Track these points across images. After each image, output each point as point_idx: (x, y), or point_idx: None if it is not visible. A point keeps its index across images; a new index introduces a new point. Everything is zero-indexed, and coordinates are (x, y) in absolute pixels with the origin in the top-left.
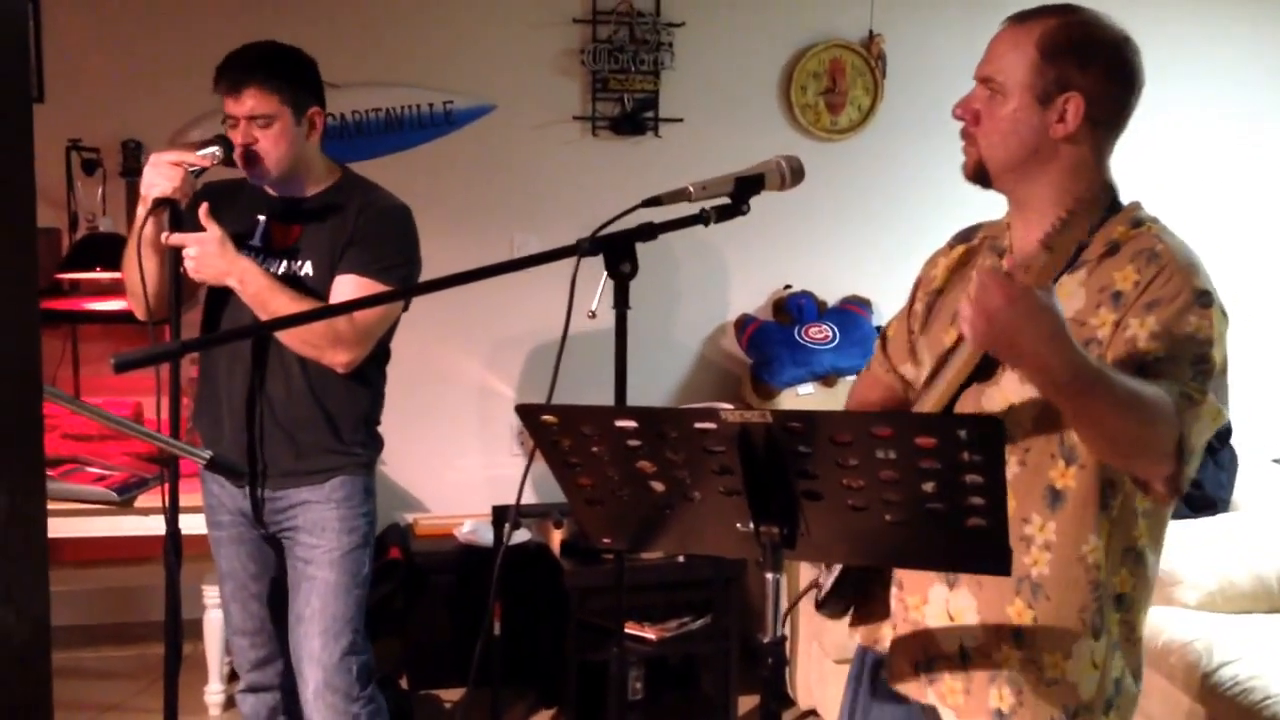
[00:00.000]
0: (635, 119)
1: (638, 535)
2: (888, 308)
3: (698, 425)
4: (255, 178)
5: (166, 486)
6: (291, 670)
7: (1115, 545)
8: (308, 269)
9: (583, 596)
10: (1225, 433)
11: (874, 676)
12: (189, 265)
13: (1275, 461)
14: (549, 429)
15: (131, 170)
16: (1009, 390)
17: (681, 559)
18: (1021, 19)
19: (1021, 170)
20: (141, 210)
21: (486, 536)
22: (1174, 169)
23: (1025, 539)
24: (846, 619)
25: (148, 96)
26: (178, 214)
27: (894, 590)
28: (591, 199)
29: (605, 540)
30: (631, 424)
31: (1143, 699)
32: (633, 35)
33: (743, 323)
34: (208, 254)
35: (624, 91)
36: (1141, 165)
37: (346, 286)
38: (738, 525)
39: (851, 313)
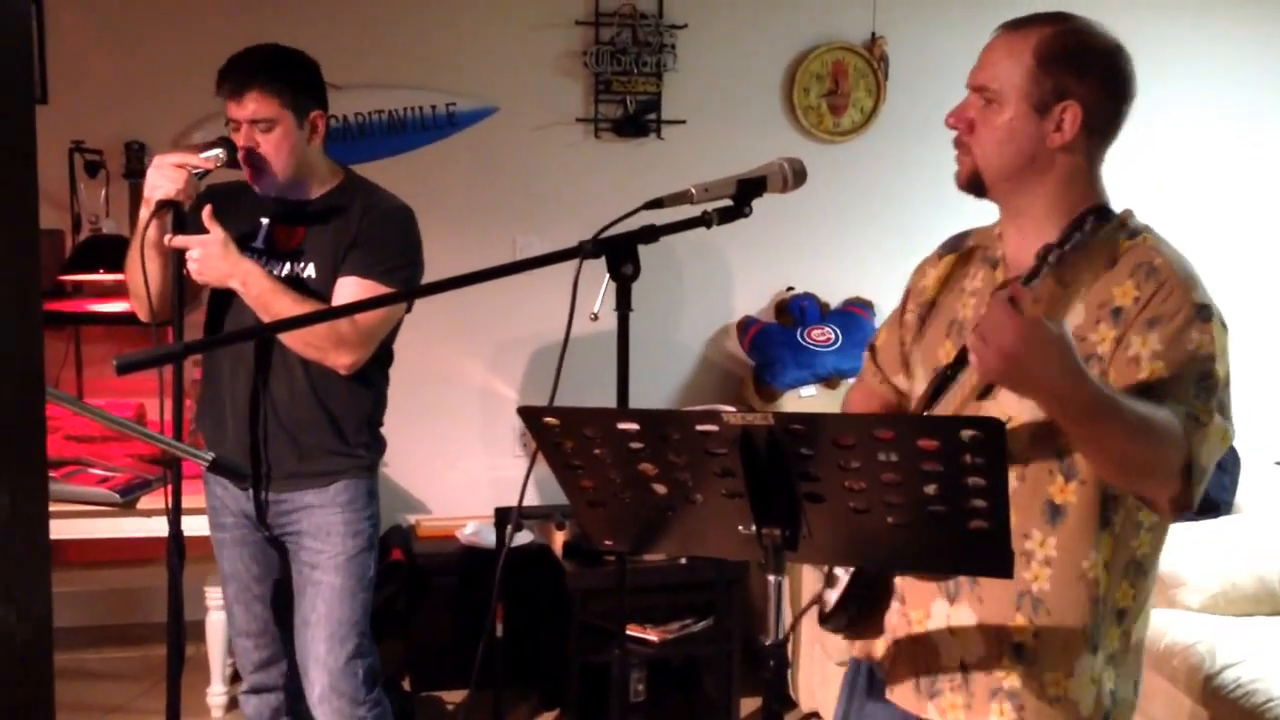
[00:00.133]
0: (638, 121)
1: (640, 537)
2: (890, 310)
3: (700, 427)
4: (263, 187)
5: (169, 488)
6: (295, 671)
7: (1118, 560)
8: (311, 271)
9: (585, 598)
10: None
11: (869, 685)
12: (192, 267)
13: (1278, 464)
14: (551, 431)
15: (134, 172)
16: (1006, 406)
17: (684, 561)
18: (1015, 27)
19: (1017, 179)
20: (145, 212)
21: (489, 538)
22: (1174, 169)
23: (1026, 554)
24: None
25: (151, 98)
26: (181, 216)
27: (895, 605)
28: (594, 201)
29: (607, 542)
30: (634, 426)
31: (1145, 702)
32: (635, 37)
33: (745, 324)
34: (210, 256)
35: (626, 93)
36: (1142, 165)
37: (349, 288)
38: (740, 527)
39: (854, 314)
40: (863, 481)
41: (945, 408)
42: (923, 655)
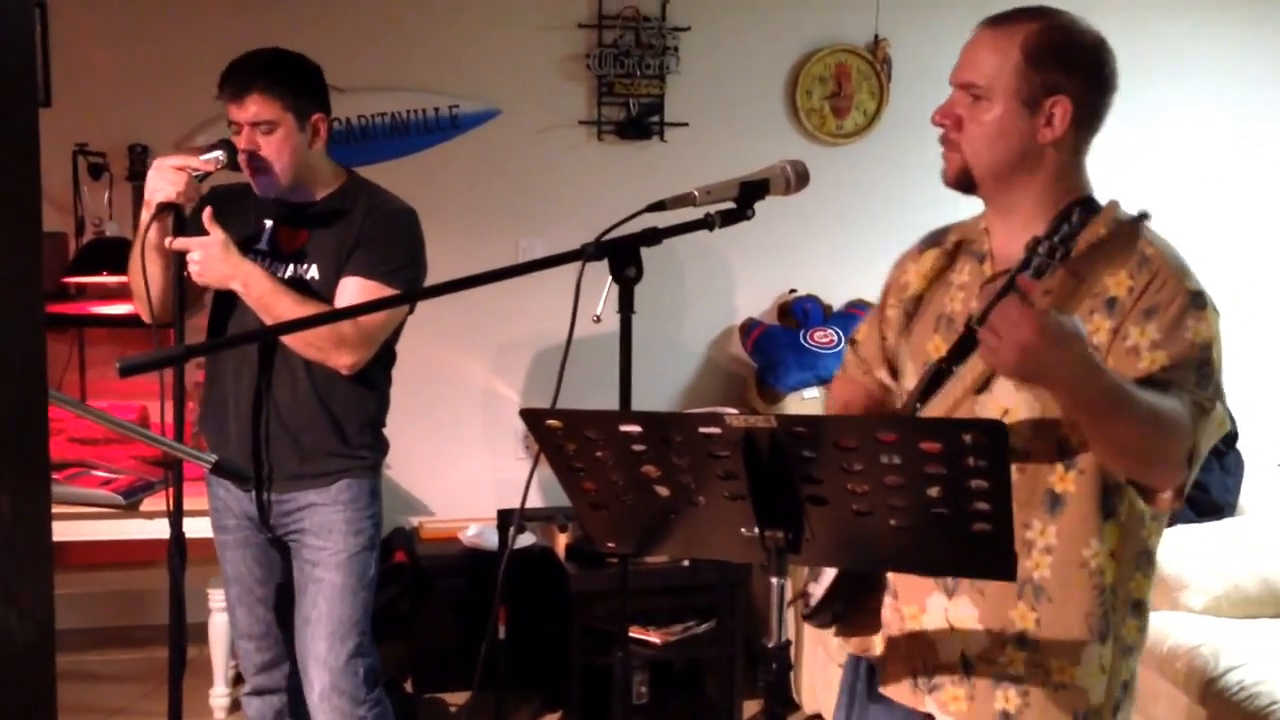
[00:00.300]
0: (640, 123)
1: (642, 539)
2: None
3: (702, 430)
4: (264, 190)
5: (172, 490)
6: (297, 672)
7: (1128, 550)
8: (314, 272)
9: (587, 600)
10: (1231, 437)
11: (869, 683)
12: (193, 269)
13: None
14: (554, 433)
15: (138, 174)
16: (1003, 398)
17: (686, 563)
18: (999, 23)
19: (1007, 175)
20: (146, 215)
21: (491, 540)
22: (1174, 169)
23: (1027, 544)
24: (833, 629)
25: (154, 101)
26: (182, 218)
27: (888, 600)
28: (596, 203)
29: (610, 544)
30: (636, 428)
31: (1149, 704)
32: (638, 40)
33: (748, 327)
34: (211, 258)
35: (629, 96)
36: (1141, 165)
37: (352, 288)
38: (742, 530)
39: (857, 316)
40: (865, 484)
41: (941, 401)
42: (918, 650)
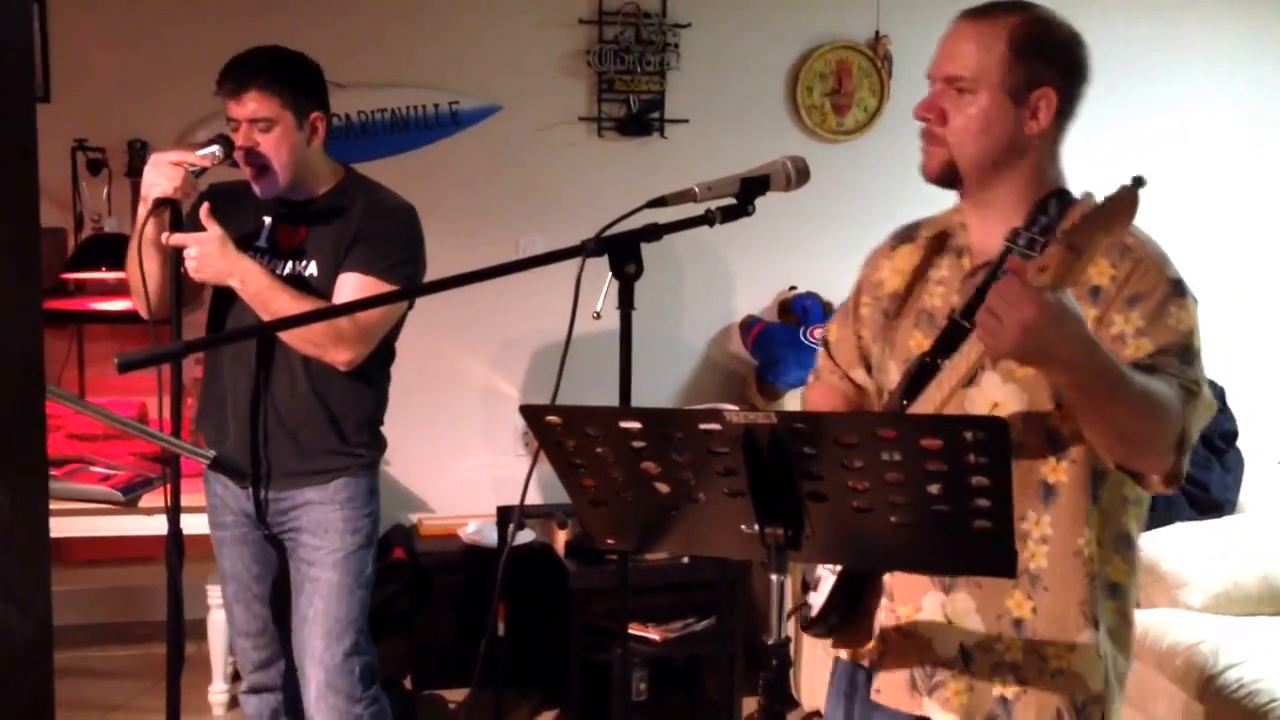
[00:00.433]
0: (641, 120)
1: (642, 536)
2: None
3: (702, 426)
4: (264, 189)
5: (170, 487)
6: (294, 670)
7: (1107, 535)
8: (312, 269)
9: (587, 597)
10: (1231, 435)
11: (866, 688)
12: (190, 265)
13: None
14: (553, 430)
15: (137, 170)
16: (990, 391)
17: (686, 560)
18: (980, 15)
19: (991, 168)
20: (142, 210)
21: (491, 537)
22: (1174, 167)
23: (1022, 535)
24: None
25: (153, 96)
26: (178, 214)
27: (884, 603)
28: (597, 200)
29: (609, 541)
30: (636, 425)
31: (1148, 702)
32: (639, 36)
33: (748, 324)
34: (208, 254)
35: (630, 92)
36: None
37: (350, 284)
38: (742, 527)
39: None
40: (866, 481)
41: (932, 395)
42: (915, 650)
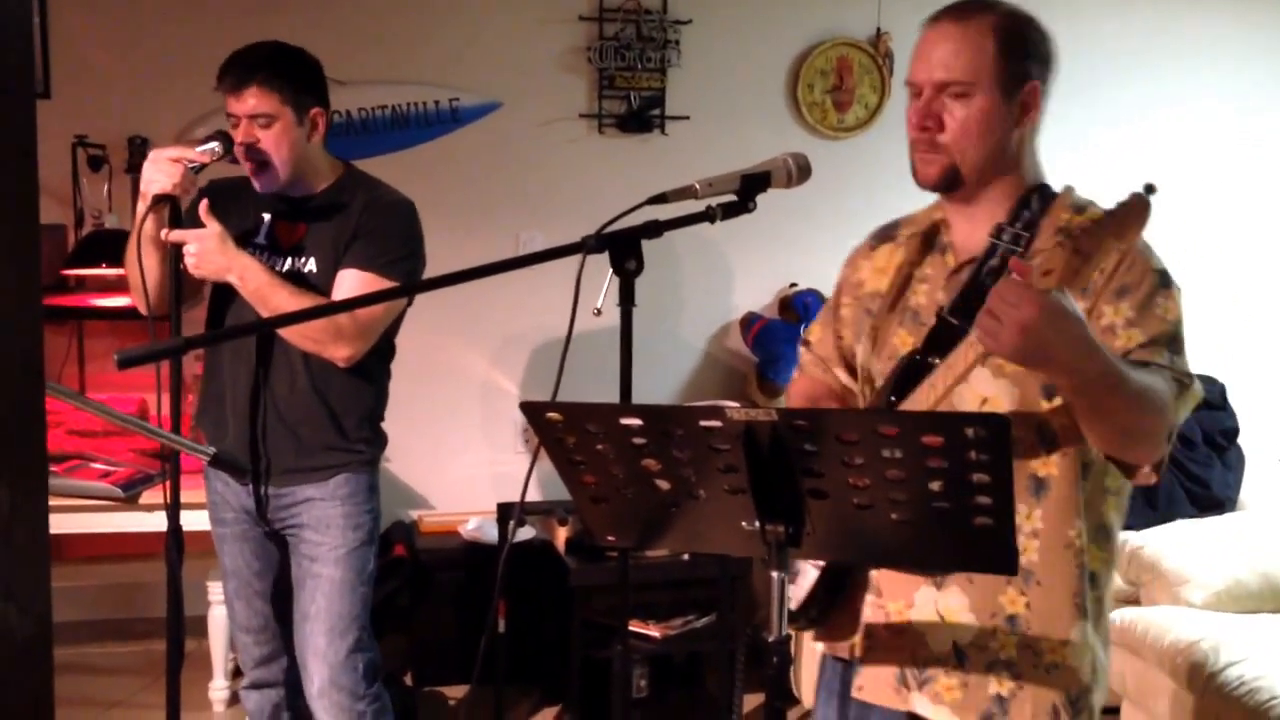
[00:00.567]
0: (641, 116)
1: (643, 533)
2: None
3: (703, 423)
4: (264, 185)
5: (169, 483)
6: (295, 666)
7: (1089, 525)
8: (312, 265)
9: (587, 594)
10: (1232, 432)
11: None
12: (189, 261)
13: None
14: (554, 426)
15: (137, 167)
16: (980, 386)
17: (686, 557)
18: (959, 18)
19: (990, 168)
20: (141, 206)
21: (491, 534)
22: (1174, 166)
23: (1014, 529)
24: (812, 632)
25: (154, 93)
26: (178, 210)
27: (870, 598)
28: (597, 196)
29: (610, 538)
30: (636, 422)
31: (1149, 699)
32: (639, 33)
33: (748, 321)
34: (207, 250)
35: (630, 89)
36: (1141, 162)
37: (350, 280)
38: (743, 523)
39: None
40: (866, 478)
41: (926, 393)
42: (906, 646)
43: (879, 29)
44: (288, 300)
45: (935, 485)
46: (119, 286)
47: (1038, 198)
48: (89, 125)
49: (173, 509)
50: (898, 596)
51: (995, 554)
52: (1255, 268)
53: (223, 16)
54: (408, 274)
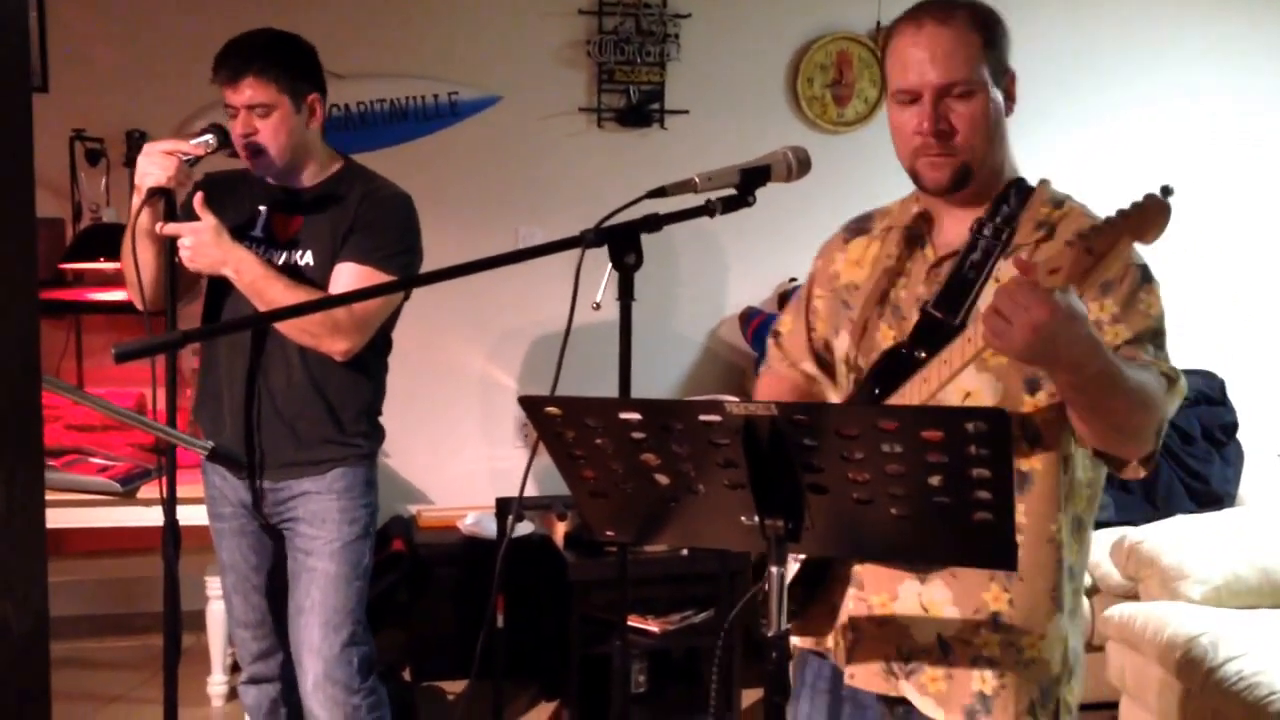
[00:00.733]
0: (641, 111)
1: (642, 528)
2: None
3: (702, 418)
4: (260, 169)
5: (166, 478)
6: (293, 662)
7: (1067, 519)
8: (308, 259)
9: (586, 589)
10: (1231, 427)
11: (830, 680)
12: (184, 255)
13: None
14: (553, 421)
15: (135, 161)
16: (963, 380)
17: (685, 552)
18: (942, 18)
19: (991, 162)
20: (136, 200)
21: (490, 528)
22: (1175, 164)
23: (1014, 524)
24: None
25: (152, 86)
26: (173, 203)
27: (852, 592)
28: (597, 191)
29: (609, 533)
30: (636, 416)
31: (1148, 694)
32: (639, 27)
33: (747, 315)
34: (203, 243)
35: (630, 83)
36: (1141, 160)
37: (347, 274)
38: (742, 518)
39: None
40: (866, 473)
41: (915, 389)
42: (891, 638)
43: (879, 23)
44: (284, 294)
45: (935, 480)
46: (117, 281)
47: (1015, 191)
48: (87, 119)
49: (169, 504)
50: (880, 590)
51: (995, 549)
52: (1255, 266)
53: (221, 9)
54: (405, 268)
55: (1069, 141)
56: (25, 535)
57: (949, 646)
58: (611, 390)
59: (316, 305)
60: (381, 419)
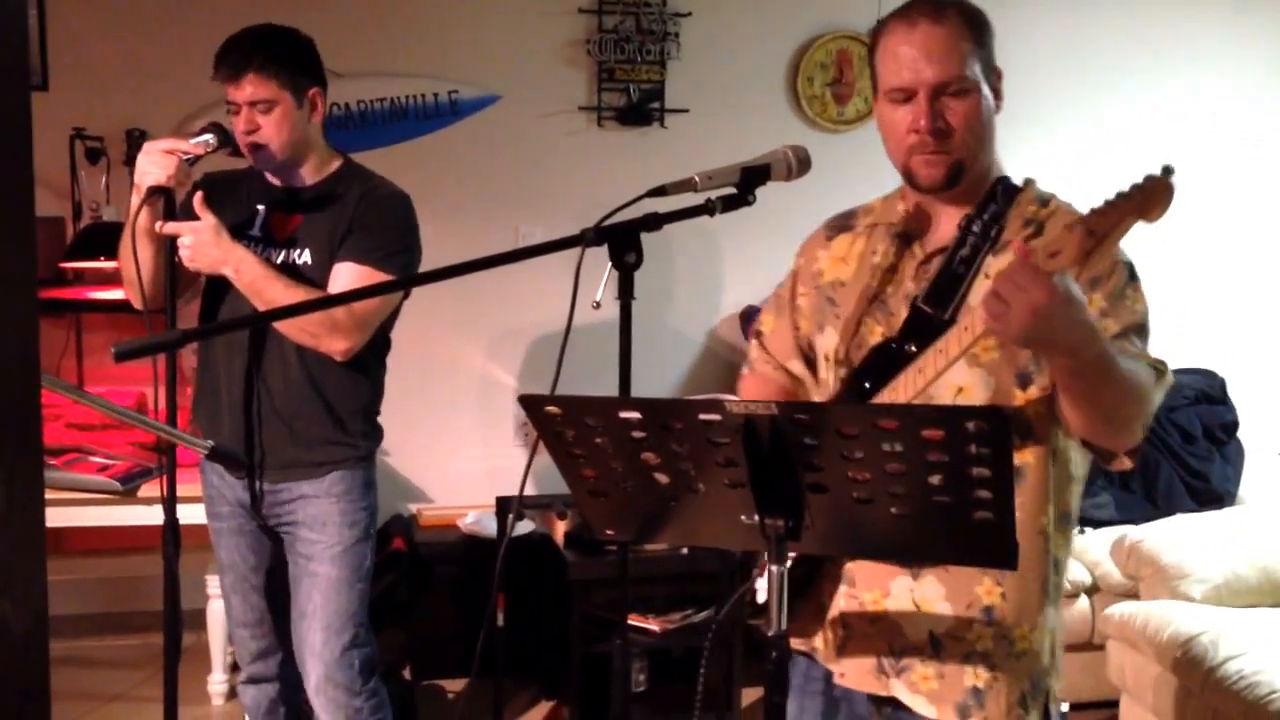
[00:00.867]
0: (641, 109)
1: (642, 527)
2: None
3: (702, 417)
4: (261, 162)
5: (166, 477)
6: (293, 661)
7: (1056, 512)
8: (306, 258)
9: (586, 588)
10: (1232, 426)
11: (814, 678)
12: (183, 254)
13: None
14: (552, 420)
15: (135, 159)
16: (954, 375)
17: (685, 551)
18: (934, 17)
19: (982, 159)
20: (136, 199)
21: (490, 527)
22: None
23: (1014, 523)
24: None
25: (152, 85)
26: (172, 202)
27: (843, 589)
28: (597, 189)
29: (609, 532)
30: (635, 415)
31: (1148, 693)
32: (639, 25)
33: (748, 314)
34: (202, 242)
35: (630, 82)
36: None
37: (346, 273)
38: (742, 517)
39: None
40: (866, 472)
41: (910, 380)
42: (883, 636)
43: (879, 21)
44: (283, 293)
45: (935, 479)
46: (117, 279)
47: (1002, 189)
48: (87, 117)
49: (169, 503)
50: (872, 586)
51: (996, 548)
52: (1255, 266)
53: (221, 8)
54: (404, 267)
55: (1069, 141)
56: (24, 534)
57: (940, 643)
58: (612, 389)
59: (316, 305)
60: (381, 418)
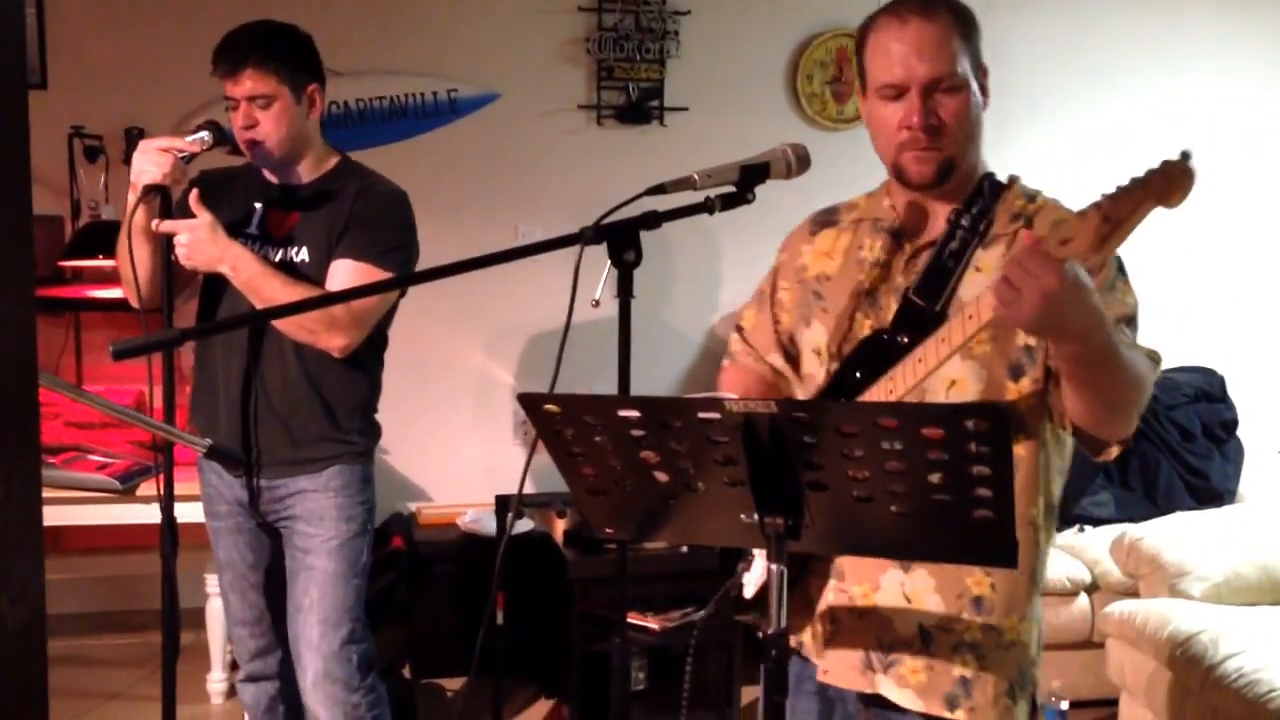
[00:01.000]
0: (640, 107)
1: (641, 526)
2: None
3: (701, 415)
4: (259, 158)
5: (163, 475)
6: (291, 659)
7: (1043, 503)
8: (304, 255)
9: (586, 586)
10: (1231, 424)
11: (800, 677)
12: (180, 252)
13: None
14: (551, 418)
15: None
16: (948, 368)
17: (684, 549)
18: (925, 13)
19: (971, 156)
20: (132, 197)
21: (489, 526)
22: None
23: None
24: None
25: (151, 83)
26: (168, 201)
27: (833, 583)
28: (596, 188)
29: (608, 530)
30: (635, 414)
31: (1148, 691)
32: (638, 23)
33: None
34: (199, 240)
35: (629, 80)
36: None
37: (343, 271)
38: (742, 516)
39: None
40: (866, 470)
41: (906, 370)
42: (871, 630)
43: (868, 18)
44: (281, 290)
45: (935, 477)
46: (116, 278)
47: (989, 185)
48: (85, 116)
49: (167, 501)
50: (862, 580)
51: (995, 546)
52: (1255, 266)
53: (220, 7)
54: (401, 264)
55: (1069, 140)
56: (23, 532)
57: (930, 636)
58: (610, 387)
59: (314, 302)
60: (380, 416)
